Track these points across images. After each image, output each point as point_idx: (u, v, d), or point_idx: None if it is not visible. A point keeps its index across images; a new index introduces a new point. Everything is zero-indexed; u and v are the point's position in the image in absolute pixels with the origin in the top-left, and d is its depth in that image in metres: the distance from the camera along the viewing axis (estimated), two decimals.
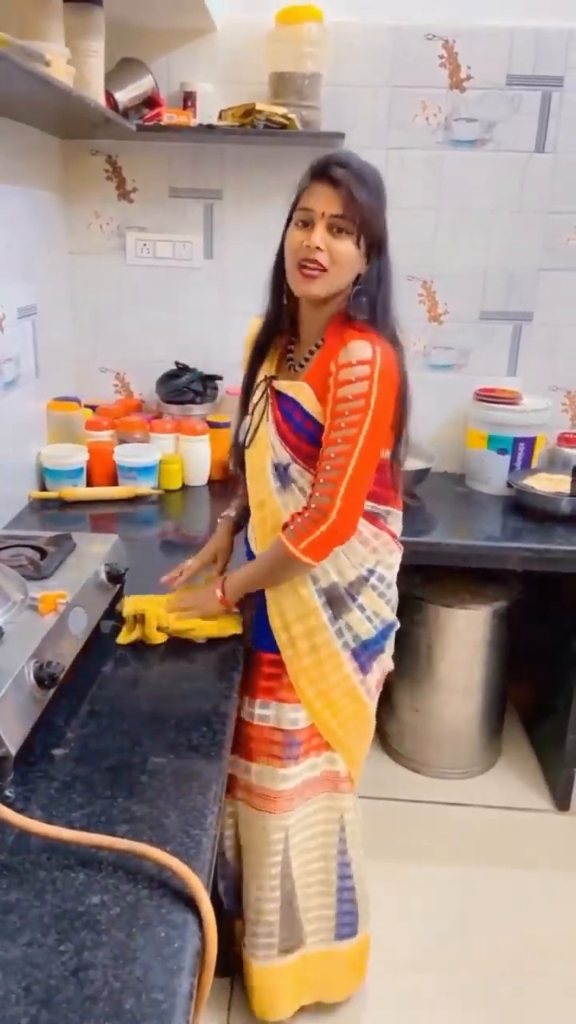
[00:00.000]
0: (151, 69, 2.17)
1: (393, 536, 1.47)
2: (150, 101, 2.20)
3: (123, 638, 1.38)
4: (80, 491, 2.15)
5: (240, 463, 1.49)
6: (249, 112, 2.09)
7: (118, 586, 1.44)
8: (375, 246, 1.31)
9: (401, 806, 2.34)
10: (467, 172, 2.33)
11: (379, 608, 1.44)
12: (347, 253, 1.27)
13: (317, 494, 1.30)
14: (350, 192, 1.24)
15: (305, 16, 2.11)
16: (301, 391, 1.34)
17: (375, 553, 1.42)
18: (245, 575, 1.42)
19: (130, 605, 1.40)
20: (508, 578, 2.42)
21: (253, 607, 1.45)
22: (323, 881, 1.59)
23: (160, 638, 1.37)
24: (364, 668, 1.46)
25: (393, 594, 1.48)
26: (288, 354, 1.44)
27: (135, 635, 1.38)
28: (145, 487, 2.19)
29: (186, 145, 2.30)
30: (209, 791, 1.01)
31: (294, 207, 1.31)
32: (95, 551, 1.43)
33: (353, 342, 1.27)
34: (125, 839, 0.88)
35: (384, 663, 1.51)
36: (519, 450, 2.37)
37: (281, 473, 1.38)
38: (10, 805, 0.93)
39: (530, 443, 2.38)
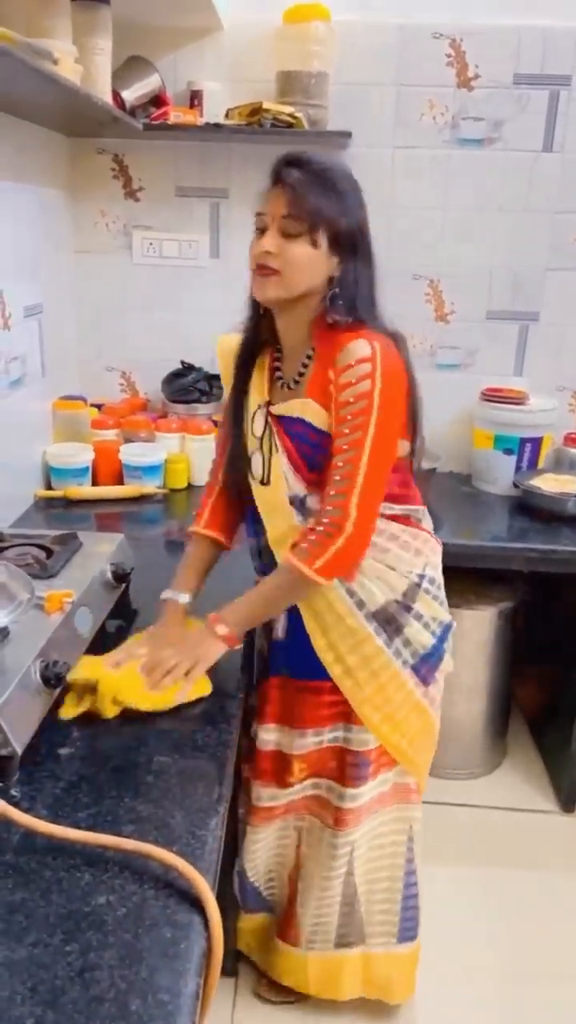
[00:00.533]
0: (158, 68, 2.18)
1: (430, 533, 1.43)
2: (157, 100, 2.20)
3: (65, 712, 1.12)
4: (85, 490, 2.15)
5: (239, 491, 1.38)
6: (256, 111, 2.09)
7: (124, 585, 1.44)
8: (344, 245, 1.22)
9: None
10: (474, 171, 2.32)
11: (435, 612, 1.39)
12: (301, 256, 1.20)
13: (328, 507, 1.21)
14: (295, 192, 1.18)
15: (312, 15, 2.11)
16: (307, 408, 1.26)
17: (419, 555, 1.37)
18: (249, 607, 1.27)
19: (81, 669, 1.15)
20: (514, 579, 2.41)
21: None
22: (388, 889, 1.55)
23: (114, 711, 1.13)
24: (426, 680, 1.41)
25: (444, 594, 1.43)
26: (276, 371, 1.35)
27: (83, 708, 1.13)
28: (150, 486, 2.19)
29: (193, 144, 2.30)
30: (214, 791, 1.01)
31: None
32: (101, 550, 1.43)
33: (351, 343, 1.20)
34: (131, 839, 0.88)
35: (445, 670, 1.47)
36: (525, 450, 2.37)
37: (299, 506, 1.30)
38: (16, 804, 0.93)
39: (536, 443, 2.37)
